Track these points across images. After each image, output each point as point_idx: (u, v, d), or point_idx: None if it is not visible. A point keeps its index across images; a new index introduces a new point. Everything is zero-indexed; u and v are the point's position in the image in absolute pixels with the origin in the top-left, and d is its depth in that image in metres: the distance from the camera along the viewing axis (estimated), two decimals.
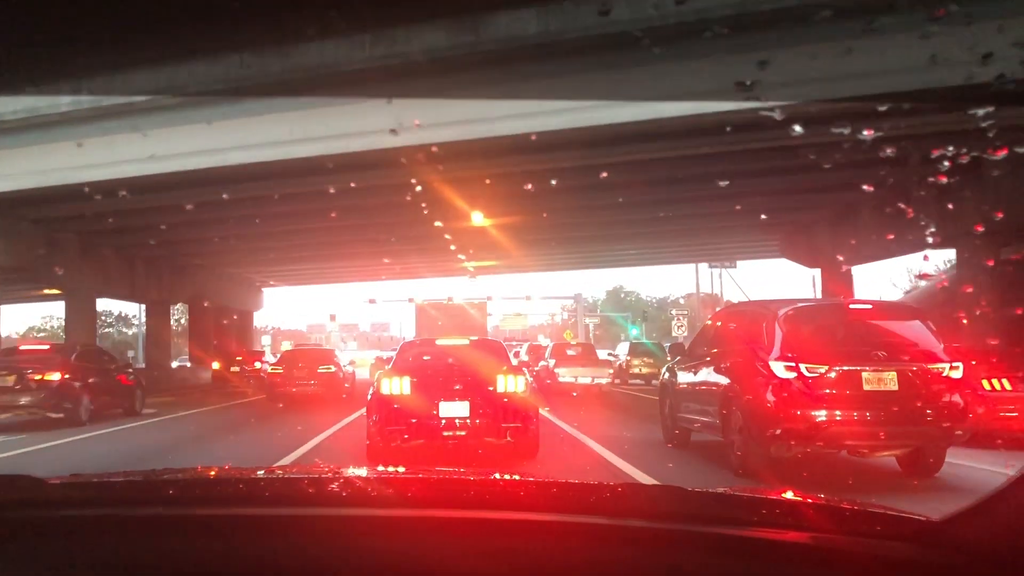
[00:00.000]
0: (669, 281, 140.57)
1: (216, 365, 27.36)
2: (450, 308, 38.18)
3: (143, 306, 34.94)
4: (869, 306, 7.85)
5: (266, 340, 74.13)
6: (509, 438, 7.82)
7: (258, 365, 26.59)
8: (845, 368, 6.58)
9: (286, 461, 8.29)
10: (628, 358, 25.80)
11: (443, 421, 7.75)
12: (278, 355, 25.98)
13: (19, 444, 10.73)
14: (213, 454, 9.64)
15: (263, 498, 1.52)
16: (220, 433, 12.31)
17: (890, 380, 6.59)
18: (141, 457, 9.31)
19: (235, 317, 35.55)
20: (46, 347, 15.60)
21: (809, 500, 1.53)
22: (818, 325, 7.28)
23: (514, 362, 9.61)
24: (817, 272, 24.99)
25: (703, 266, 37.48)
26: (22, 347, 15.62)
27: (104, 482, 1.67)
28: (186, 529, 1.37)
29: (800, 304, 7.63)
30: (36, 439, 11.10)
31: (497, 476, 1.88)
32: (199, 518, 1.40)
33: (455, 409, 7.79)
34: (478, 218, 18.44)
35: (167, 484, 1.62)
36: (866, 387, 6.56)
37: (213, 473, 1.91)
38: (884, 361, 6.63)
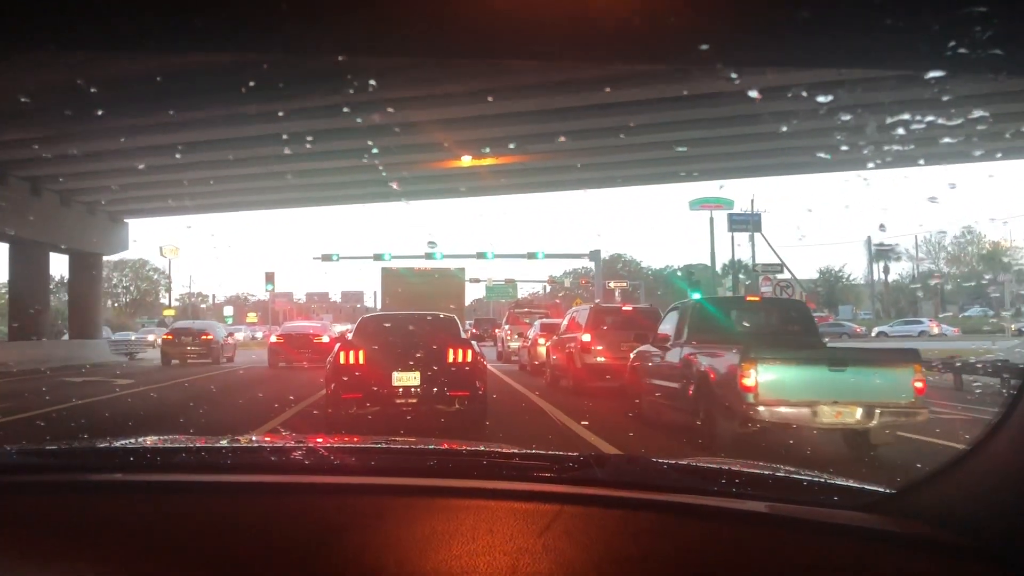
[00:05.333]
0: (665, 252, 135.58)
1: None
2: (423, 274, 33.24)
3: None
4: None
5: (228, 311, 70.20)
6: (457, 405, 8.70)
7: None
8: None
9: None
10: None
11: (398, 390, 8.58)
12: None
13: None
14: None
15: (217, 465, 1.63)
16: None
17: None
18: None
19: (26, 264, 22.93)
20: None
21: (767, 471, 1.69)
22: None
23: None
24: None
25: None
26: None
27: (62, 449, 1.80)
28: (143, 494, 1.44)
29: None
30: None
31: (458, 447, 1.98)
32: (157, 484, 1.49)
33: (407, 379, 8.60)
34: None
35: (125, 451, 1.75)
36: None
37: (172, 441, 2.00)
38: None
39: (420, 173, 23.31)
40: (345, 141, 18.98)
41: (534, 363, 18.46)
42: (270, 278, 43.29)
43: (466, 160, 20.95)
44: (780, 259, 36.58)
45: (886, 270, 52.66)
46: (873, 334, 43.69)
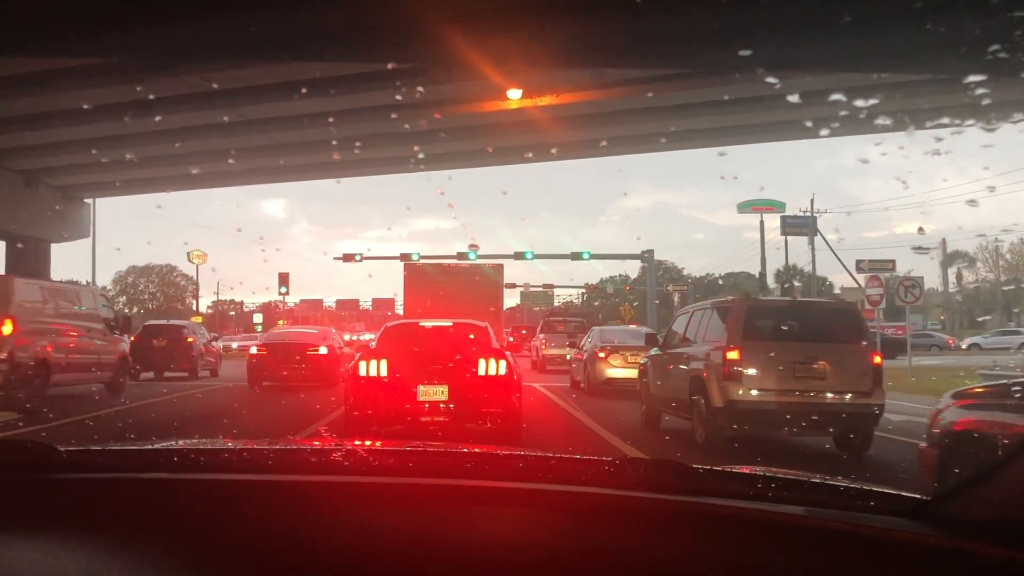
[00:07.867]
0: (705, 260, 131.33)
1: None
2: (454, 271, 29.55)
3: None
4: None
5: (258, 318, 69.79)
6: (489, 424, 8.04)
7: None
8: None
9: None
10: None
11: (424, 406, 7.98)
12: None
13: None
14: None
15: (258, 466, 1.68)
16: None
17: None
18: None
19: None
20: None
21: (803, 477, 1.67)
22: None
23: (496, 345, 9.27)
24: None
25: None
26: None
27: (111, 450, 1.84)
28: (186, 492, 1.50)
29: None
30: None
31: (494, 450, 2.00)
32: (199, 483, 1.55)
33: (434, 393, 7.99)
34: None
35: (170, 452, 1.83)
36: None
37: (213, 444, 2.10)
38: None
39: (451, 123, 20.12)
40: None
41: (595, 382, 15.77)
42: (284, 280, 40.41)
43: (514, 95, 17.59)
44: (842, 263, 33.35)
45: (959, 276, 48.96)
46: (964, 346, 40.94)
